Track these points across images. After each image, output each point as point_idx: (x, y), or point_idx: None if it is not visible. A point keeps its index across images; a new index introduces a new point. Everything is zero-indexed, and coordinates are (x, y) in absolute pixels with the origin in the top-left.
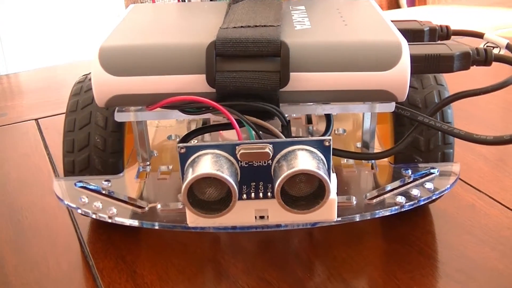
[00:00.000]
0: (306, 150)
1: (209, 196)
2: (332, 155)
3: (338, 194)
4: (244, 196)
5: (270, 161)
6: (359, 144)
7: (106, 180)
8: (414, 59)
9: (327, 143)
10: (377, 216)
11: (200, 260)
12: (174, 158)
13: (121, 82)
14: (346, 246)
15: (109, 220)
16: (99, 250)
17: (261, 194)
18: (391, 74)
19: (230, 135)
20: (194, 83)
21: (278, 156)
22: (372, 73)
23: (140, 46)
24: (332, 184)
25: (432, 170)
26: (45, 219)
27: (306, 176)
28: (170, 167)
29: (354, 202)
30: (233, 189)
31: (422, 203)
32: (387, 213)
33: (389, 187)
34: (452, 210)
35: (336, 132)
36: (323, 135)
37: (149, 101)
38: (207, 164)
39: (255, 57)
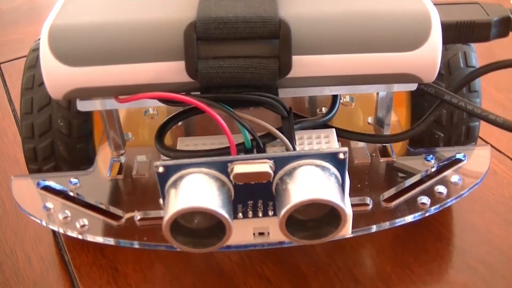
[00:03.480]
0: (317, 165)
1: (197, 225)
2: (340, 137)
3: (350, 194)
4: (240, 215)
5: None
6: (370, 119)
7: (74, 178)
8: (444, 27)
9: (342, 156)
10: (397, 225)
11: (189, 253)
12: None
13: (80, 74)
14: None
15: (79, 237)
16: (75, 242)
17: (260, 213)
18: (417, 55)
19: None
20: (172, 71)
21: (281, 172)
22: (394, 54)
23: (102, 26)
24: (346, 192)
25: (458, 156)
26: (11, 202)
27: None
28: (149, 157)
29: (370, 206)
30: (226, 223)
31: (449, 204)
32: (409, 220)
33: (409, 182)
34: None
35: (342, 101)
36: (326, 115)
37: (118, 92)
38: (191, 190)
39: (247, 39)
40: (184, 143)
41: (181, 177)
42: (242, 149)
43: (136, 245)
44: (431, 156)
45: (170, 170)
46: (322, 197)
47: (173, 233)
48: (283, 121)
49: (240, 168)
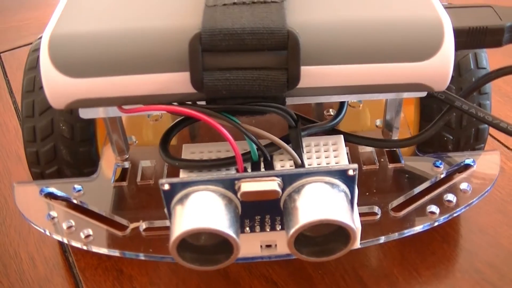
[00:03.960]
0: (326, 182)
1: (204, 242)
2: (348, 141)
3: (358, 203)
4: (248, 229)
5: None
6: (379, 122)
7: (77, 184)
8: (455, 33)
9: (351, 173)
10: (405, 235)
11: None
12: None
13: (82, 85)
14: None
15: (84, 248)
16: None
17: (267, 228)
18: (429, 65)
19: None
20: (177, 82)
21: (289, 189)
22: (405, 64)
23: (104, 36)
24: (355, 206)
25: (467, 161)
26: (14, 201)
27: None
28: (154, 162)
29: (378, 215)
30: (234, 243)
31: (458, 213)
32: (418, 230)
33: (418, 190)
34: None
35: (350, 102)
36: (333, 120)
37: (121, 102)
38: (198, 210)
39: (254, 51)
40: (189, 150)
41: (187, 195)
42: (249, 158)
43: (142, 257)
44: (440, 161)
45: (176, 188)
46: (331, 218)
47: (180, 250)
48: (290, 130)
49: (247, 186)
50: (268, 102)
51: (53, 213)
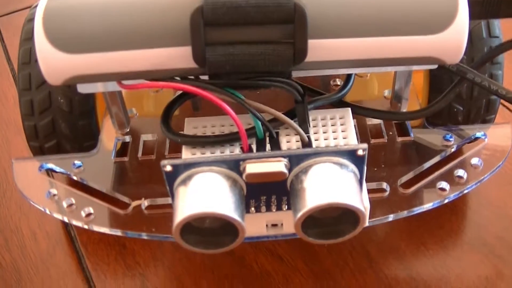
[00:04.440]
0: (334, 163)
1: (209, 224)
2: (355, 113)
3: (366, 179)
4: (253, 209)
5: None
6: (387, 92)
7: (77, 160)
8: (469, 3)
9: (361, 153)
10: (415, 213)
11: None
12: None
13: (79, 61)
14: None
15: (85, 227)
16: None
17: (273, 208)
18: (442, 38)
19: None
20: (179, 57)
21: (297, 169)
22: (417, 37)
23: (102, 9)
24: (364, 186)
25: (478, 135)
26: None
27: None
28: (155, 136)
29: (387, 192)
30: (239, 226)
31: (469, 189)
32: (428, 208)
33: (427, 165)
34: None
35: None
36: (340, 91)
37: (120, 77)
38: (201, 193)
39: (259, 24)
40: (192, 125)
41: (190, 176)
42: (254, 133)
43: (144, 236)
44: (450, 135)
45: (178, 169)
46: (340, 201)
47: (183, 233)
48: (296, 105)
49: (252, 167)
50: (273, 76)
51: (53, 191)
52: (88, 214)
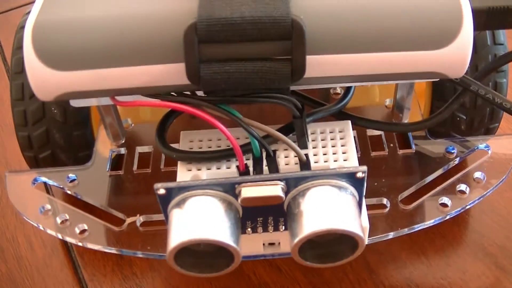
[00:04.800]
0: (333, 186)
1: (204, 248)
2: (356, 125)
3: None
4: (249, 230)
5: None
6: (388, 101)
7: (72, 173)
8: (473, 14)
9: (360, 175)
10: (415, 230)
11: None
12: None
13: (70, 78)
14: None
15: (79, 244)
16: None
17: (270, 229)
18: (446, 53)
19: None
20: (173, 74)
21: (294, 191)
22: (419, 53)
23: (93, 25)
24: (363, 205)
25: (480, 146)
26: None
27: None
28: (151, 148)
29: (387, 208)
30: (235, 252)
31: (471, 205)
32: (429, 224)
33: (429, 179)
34: None
35: None
36: (340, 102)
37: (113, 94)
38: (196, 218)
39: (255, 41)
40: (188, 138)
41: (184, 199)
42: (250, 149)
43: (139, 254)
44: (452, 146)
45: (172, 192)
46: (339, 227)
47: (178, 255)
48: (294, 120)
49: (248, 191)
50: (269, 92)
51: (47, 206)
52: (83, 231)
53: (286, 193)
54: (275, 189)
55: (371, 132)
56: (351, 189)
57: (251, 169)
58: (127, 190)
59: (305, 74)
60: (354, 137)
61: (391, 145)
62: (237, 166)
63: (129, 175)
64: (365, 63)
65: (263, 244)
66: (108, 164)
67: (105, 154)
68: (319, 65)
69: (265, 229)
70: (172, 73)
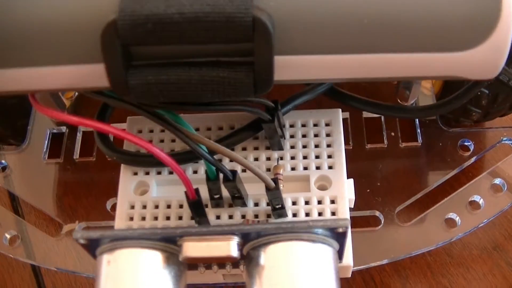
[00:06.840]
0: (305, 240)
1: None
2: (349, 105)
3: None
4: (203, 270)
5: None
6: None
7: (2, 159)
8: None
9: (341, 230)
10: (412, 255)
11: None
12: None
13: None
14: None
15: (10, 255)
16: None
17: (228, 268)
18: (474, 55)
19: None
20: (96, 76)
21: (254, 242)
22: (435, 55)
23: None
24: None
25: (505, 141)
26: None
27: None
28: None
29: (381, 224)
30: None
31: (486, 223)
32: (431, 248)
33: (436, 184)
34: None
35: None
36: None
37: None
38: (127, 276)
39: (201, 44)
40: (136, 127)
41: (113, 249)
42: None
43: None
44: (470, 142)
45: (95, 244)
46: None
47: None
48: (264, 125)
49: (192, 249)
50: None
51: None
52: (13, 238)
53: (244, 244)
54: (227, 247)
55: (368, 115)
56: (330, 240)
57: (205, 195)
58: (66, 184)
59: (277, 77)
60: (346, 121)
61: (392, 134)
62: (186, 194)
63: (68, 165)
64: (359, 66)
65: (223, 275)
66: (45, 148)
67: (42, 133)
68: (293, 67)
69: (222, 267)
70: (96, 75)
